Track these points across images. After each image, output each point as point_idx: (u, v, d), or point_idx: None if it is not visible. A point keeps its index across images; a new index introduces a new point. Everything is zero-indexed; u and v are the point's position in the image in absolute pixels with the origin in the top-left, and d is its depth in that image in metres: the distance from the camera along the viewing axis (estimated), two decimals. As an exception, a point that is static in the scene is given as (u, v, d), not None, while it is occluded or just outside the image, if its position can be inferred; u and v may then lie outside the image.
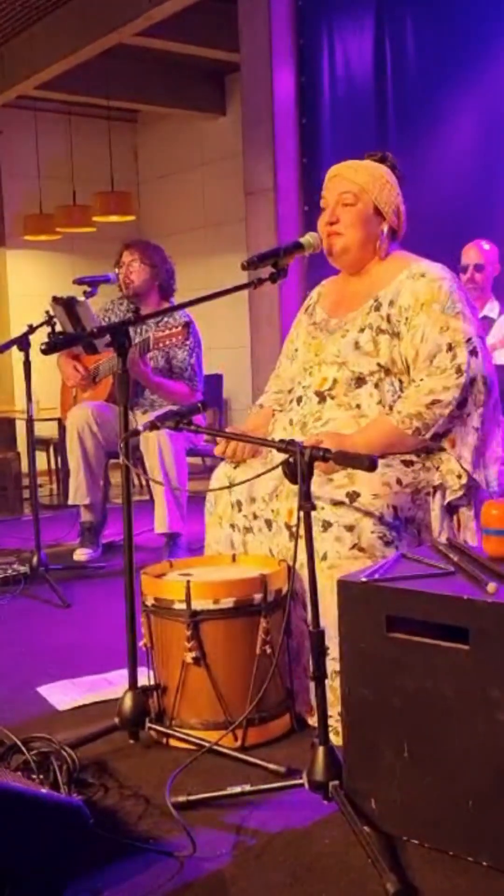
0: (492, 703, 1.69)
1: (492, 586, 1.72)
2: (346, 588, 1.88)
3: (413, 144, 5.90)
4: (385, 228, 2.53)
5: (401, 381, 2.44)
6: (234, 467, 2.58)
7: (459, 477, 2.37)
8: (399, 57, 6.18)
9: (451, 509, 2.42)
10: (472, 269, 4.64)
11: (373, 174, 2.52)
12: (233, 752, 2.19)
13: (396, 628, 1.81)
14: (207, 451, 4.67)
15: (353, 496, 2.27)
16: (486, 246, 4.71)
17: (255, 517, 2.48)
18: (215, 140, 8.07)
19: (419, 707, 1.79)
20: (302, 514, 1.88)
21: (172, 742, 2.29)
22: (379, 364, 2.43)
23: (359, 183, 2.51)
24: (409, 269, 2.49)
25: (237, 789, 2.00)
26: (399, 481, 2.34)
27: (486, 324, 4.55)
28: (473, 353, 2.38)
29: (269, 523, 2.44)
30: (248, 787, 2.00)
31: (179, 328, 3.72)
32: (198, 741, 2.22)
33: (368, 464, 1.92)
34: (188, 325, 3.65)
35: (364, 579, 1.86)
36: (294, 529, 2.34)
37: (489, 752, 1.71)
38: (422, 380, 2.38)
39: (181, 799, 1.98)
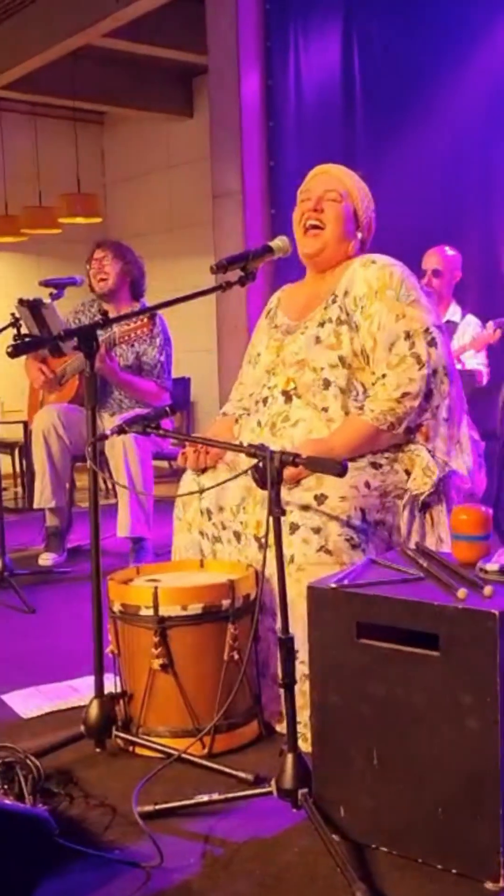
0: (462, 710, 1.69)
1: (462, 592, 1.72)
2: (315, 594, 1.87)
3: (380, 149, 5.91)
4: (360, 235, 2.58)
5: (363, 385, 2.43)
6: (199, 474, 2.56)
7: (430, 476, 2.37)
8: (367, 62, 6.19)
9: (422, 507, 2.41)
10: (429, 275, 4.66)
11: (357, 183, 2.59)
12: (200, 760, 2.17)
13: (366, 635, 1.80)
14: (174, 455, 4.64)
15: (321, 499, 2.26)
16: (450, 251, 4.73)
17: (224, 527, 2.46)
18: (183, 142, 8.04)
19: (389, 714, 1.78)
20: (272, 520, 1.87)
21: (139, 750, 2.26)
22: (340, 357, 2.43)
23: (346, 185, 2.56)
24: (360, 259, 2.53)
25: (205, 798, 1.98)
26: (367, 484, 2.33)
27: (450, 328, 4.56)
28: (432, 343, 2.39)
29: (237, 535, 2.42)
30: (216, 796, 1.98)
31: (145, 319, 3.69)
32: (165, 749, 2.19)
33: (339, 469, 1.91)
34: (154, 317, 3.62)
35: (334, 585, 1.84)
36: (263, 541, 2.33)
37: (459, 759, 1.70)
38: (384, 375, 2.38)
39: (148, 808, 1.95)
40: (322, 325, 2.49)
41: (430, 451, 2.39)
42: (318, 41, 6.12)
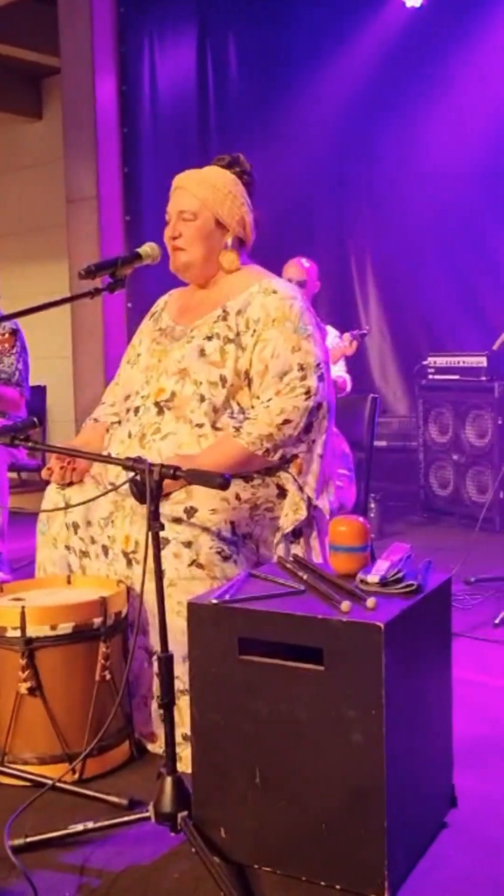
0: (346, 724, 1.67)
1: (346, 605, 1.71)
2: (196, 610, 1.82)
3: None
4: (229, 241, 2.49)
5: (240, 405, 2.40)
6: (63, 487, 2.46)
7: (297, 511, 2.36)
8: (221, 71, 6.23)
9: (295, 533, 2.40)
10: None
11: (214, 185, 2.48)
12: (72, 787, 2.07)
13: (249, 650, 1.76)
14: (29, 466, 4.49)
15: (191, 511, 2.22)
16: (306, 263, 4.77)
17: (93, 541, 2.37)
18: (31, 145, 7.82)
19: (272, 731, 1.75)
20: (150, 534, 1.81)
21: (4, 780, 2.14)
22: (222, 376, 2.38)
23: (199, 197, 2.46)
24: (261, 283, 2.47)
25: (79, 827, 1.89)
26: (238, 496, 2.30)
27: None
28: (321, 378, 2.38)
29: (105, 550, 2.34)
30: (90, 825, 1.89)
31: (6, 335, 3.54)
32: (33, 777, 2.09)
33: (221, 482, 1.86)
34: (15, 333, 3.48)
35: (214, 601, 1.80)
36: (131, 556, 2.26)
37: (343, 774, 1.68)
38: (270, 399, 2.35)
39: (18, 842, 1.85)
40: (210, 338, 2.43)
41: (299, 485, 2.37)
42: (172, 48, 6.10)
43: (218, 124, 6.23)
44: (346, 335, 4.66)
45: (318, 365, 2.38)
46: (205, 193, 2.47)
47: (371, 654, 1.64)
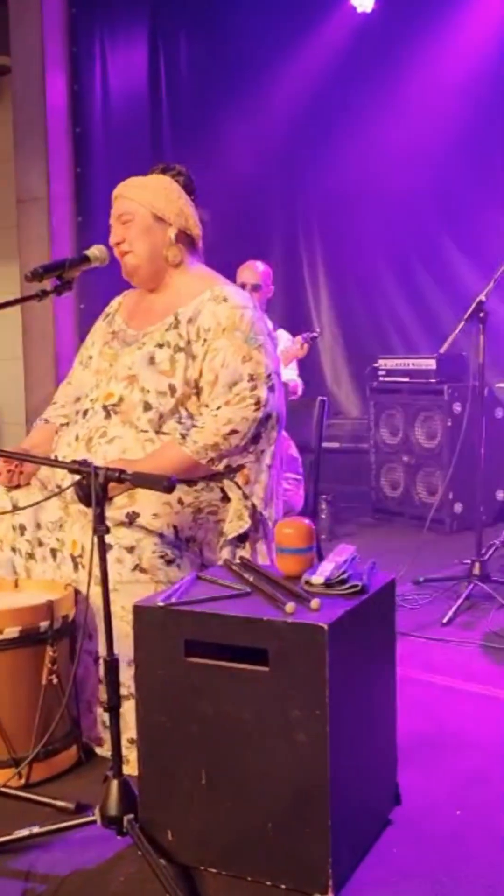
0: (291, 724, 1.69)
1: (290, 606, 1.72)
2: (141, 613, 1.82)
3: (186, 159, 5.93)
4: (172, 234, 2.49)
5: (188, 411, 2.40)
6: (10, 490, 2.45)
7: (241, 518, 2.36)
8: (173, 72, 6.23)
9: (241, 537, 2.40)
10: (249, 290, 4.69)
11: (148, 186, 2.50)
12: (17, 792, 2.06)
13: (195, 653, 1.77)
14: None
15: (133, 516, 2.21)
16: (261, 266, 4.79)
17: (41, 544, 2.36)
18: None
19: (218, 732, 1.76)
20: (96, 538, 1.80)
21: None
22: (171, 385, 2.38)
23: (134, 198, 2.48)
24: (213, 290, 2.46)
25: (24, 832, 1.88)
26: (180, 500, 2.30)
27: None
28: (272, 389, 2.38)
29: (53, 553, 2.33)
30: (36, 829, 1.89)
31: None
32: (-22, 782, 2.07)
33: (167, 485, 1.87)
34: None
35: (161, 604, 1.80)
36: (78, 560, 2.26)
37: (288, 774, 1.70)
38: (219, 408, 2.35)
39: (-38, 848, 1.84)
40: (161, 346, 2.42)
41: (244, 494, 2.37)
42: (124, 48, 6.09)
43: (171, 124, 6.23)
44: (298, 338, 4.68)
45: (268, 376, 2.38)
46: (139, 194, 2.49)
47: (315, 655, 1.66)
